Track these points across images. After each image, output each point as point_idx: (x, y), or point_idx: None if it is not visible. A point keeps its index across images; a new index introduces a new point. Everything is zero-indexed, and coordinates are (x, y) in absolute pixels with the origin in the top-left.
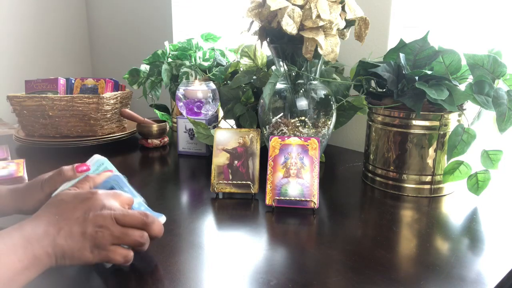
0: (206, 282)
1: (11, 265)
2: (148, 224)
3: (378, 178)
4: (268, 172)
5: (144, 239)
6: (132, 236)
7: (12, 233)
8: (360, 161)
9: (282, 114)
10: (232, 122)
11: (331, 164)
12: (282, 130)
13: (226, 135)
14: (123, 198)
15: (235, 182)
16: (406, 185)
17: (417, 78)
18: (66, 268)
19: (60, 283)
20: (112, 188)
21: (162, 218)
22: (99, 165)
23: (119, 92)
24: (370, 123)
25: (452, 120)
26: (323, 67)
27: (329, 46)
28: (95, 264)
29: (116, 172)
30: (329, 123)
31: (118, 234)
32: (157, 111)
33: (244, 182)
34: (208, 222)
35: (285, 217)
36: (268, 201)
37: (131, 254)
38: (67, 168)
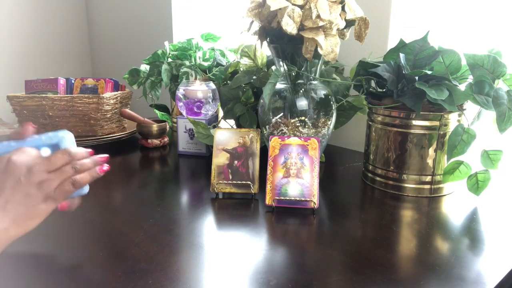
0: (206, 282)
1: None
2: (71, 156)
3: (378, 178)
4: (268, 172)
5: (77, 167)
6: (67, 172)
7: None
8: (360, 161)
9: (282, 114)
10: (232, 122)
11: (331, 164)
12: (282, 130)
13: (226, 135)
14: (27, 151)
15: (235, 182)
16: (406, 185)
17: (417, 78)
18: (66, 267)
19: (59, 282)
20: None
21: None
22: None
23: (119, 92)
24: (370, 123)
25: (452, 120)
26: (323, 67)
27: (329, 46)
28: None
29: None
30: (329, 123)
31: (57, 177)
32: (157, 111)
33: (244, 182)
34: (208, 222)
35: (285, 217)
36: (268, 201)
37: (75, 177)
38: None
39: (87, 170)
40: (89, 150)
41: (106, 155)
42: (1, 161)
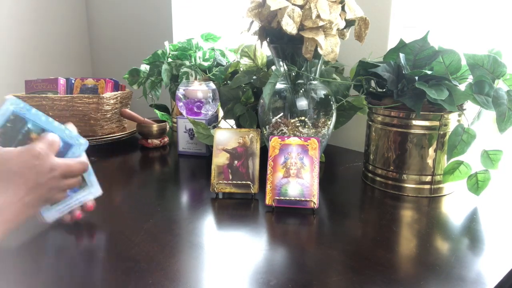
0: (206, 282)
1: None
2: (86, 170)
3: (378, 178)
4: (268, 172)
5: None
6: (76, 183)
7: None
8: (360, 161)
9: (282, 114)
10: (232, 122)
11: (331, 164)
12: (282, 130)
13: (226, 135)
14: (55, 145)
15: (235, 182)
16: (406, 185)
17: (417, 78)
18: (66, 267)
19: (59, 282)
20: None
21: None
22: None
23: (119, 92)
24: (370, 123)
25: (452, 120)
26: (323, 67)
27: (329, 46)
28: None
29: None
30: (329, 123)
31: (65, 186)
32: (157, 111)
33: (244, 182)
34: (208, 222)
35: (285, 217)
36: (268, 201)
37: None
38: None
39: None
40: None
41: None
42: (30, 152)
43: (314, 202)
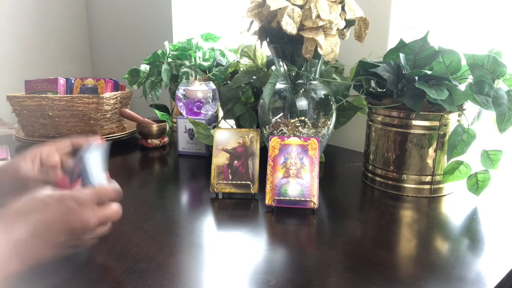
0: (205, 282)
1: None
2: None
3: (378, 178)
4: (268, 172)
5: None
6: (110, 217)
7: None
8: (360, 161)
9: (282, 114)
10: (232, 122)
11: (331, 164)
12: (282, 130)
13: (226, 135)
14: (88, 200)
15: (235, 182)
16: (406, 185)
17: (417, 78)
18: (66, 267)
19: (59, 282)
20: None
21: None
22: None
23: (119, 92)
24: (370, 123)
25: (452, 120)
26: (323, 67)
27: (329, 46)
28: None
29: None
30: (329, 123)
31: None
32: (157, 111)
33: (244, 182)
34: (208, 222)
35: (284, 217)
36: (267, 201)
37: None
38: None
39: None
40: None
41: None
42: (64, 202)
43: (314, 202)
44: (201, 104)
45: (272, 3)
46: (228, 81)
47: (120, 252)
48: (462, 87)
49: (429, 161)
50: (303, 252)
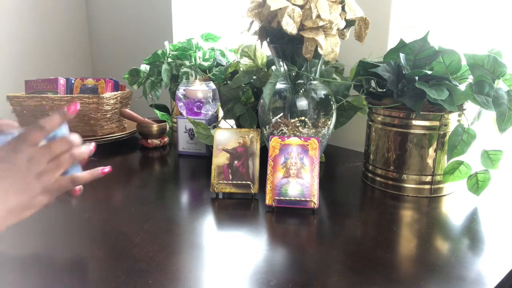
0: (206, 282)
1: None
2: (70, 143)
3: (378, 178)
4: (268, 172)
5: (74, 157)
6: (66, 162)
7: None
8: (360, 161)
9: (282, 114)
10: (232, 122)
11: (331, 164)
12: (282, 130)
13: (226, 135)
14: (28, 139)
15: (235, 182)
16: (406, 185)
17: (417, 78)
18: (66, 267)
19: (59, 282)
20: None
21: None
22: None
23: (119, 92)
24: (370, 123)
25: (452, 120)
26: (323, 67)
27: (329, 46)
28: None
29: None
30: (329, 123)
31: (56, 168)
32: (157, 111)
33: (244, 182)
34: (208, 222)
35: (285, 217)
36: (268, 201)
37: (75, 175)
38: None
39: (84, 158)
40: (92, 144)
41: (109, 167)
42: (2, 150)
43: (314, 202)
44: (201, 104)
45: (273, 3)
46: (228, 81)
47: (120, 252)
48: (462, 87)
49: (429, 161)
50: (304, 252)
